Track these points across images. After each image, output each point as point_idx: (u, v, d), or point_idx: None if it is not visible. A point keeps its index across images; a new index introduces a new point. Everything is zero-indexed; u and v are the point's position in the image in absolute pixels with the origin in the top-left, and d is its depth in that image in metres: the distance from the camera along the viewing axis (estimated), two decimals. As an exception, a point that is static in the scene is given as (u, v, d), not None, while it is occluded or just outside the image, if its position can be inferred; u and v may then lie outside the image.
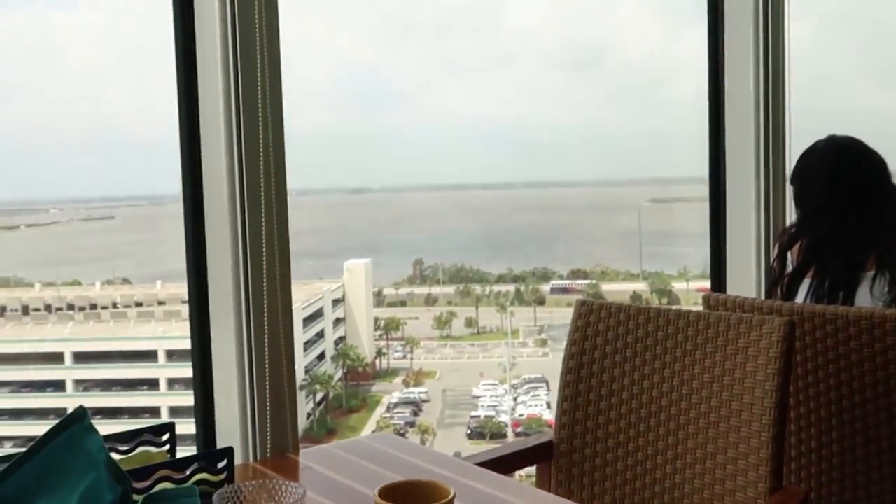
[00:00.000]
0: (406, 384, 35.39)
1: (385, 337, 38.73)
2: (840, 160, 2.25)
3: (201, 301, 1.77)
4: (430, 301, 45.23)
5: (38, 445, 1.01)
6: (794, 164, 2.44)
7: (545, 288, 40.52)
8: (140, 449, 1.35)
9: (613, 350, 1.96)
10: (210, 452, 1.28)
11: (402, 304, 43.44)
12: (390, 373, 36.57)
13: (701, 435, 1.82)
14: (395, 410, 29.23)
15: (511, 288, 44.50)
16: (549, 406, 30.33)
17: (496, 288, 44.49)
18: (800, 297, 2.17)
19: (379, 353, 37.41)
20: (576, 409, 1.98)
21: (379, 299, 40.74)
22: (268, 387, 1.69)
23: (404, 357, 38.90)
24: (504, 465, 1.87)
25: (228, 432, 1.71)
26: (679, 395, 1.87)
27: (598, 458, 1.94)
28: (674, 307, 1.95)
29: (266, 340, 1.70)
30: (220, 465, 1.27)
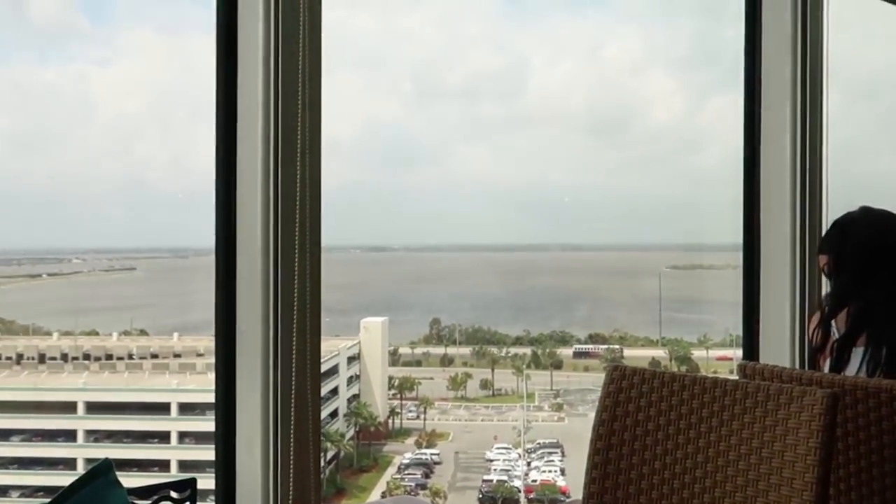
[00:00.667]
0: (418, 445, 34.92)
1: (399, 396, 38.33)
2: (886, 230, 2.25)
3: (228, 354, 1.74)
4: (446, 361, 44.87)
5: (62, 498, 0.97)
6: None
7: (563, 352, 40.20)
8: (161, 504, 1.31)
9: (646, 417, 1.93)
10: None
11: (418, 363, 43.16)
12: (403, 433, 36.13)
13: (738, 509, 1.76)
14: (406, 471, 28.84)
15: (528, 350, 44.14)
16: (563, 472, 29.85)
17: (513, 350, 44.13)
18: (853, 365, 2.13)
19: (392, 413, 37.00)
20: (605, 478, 1.94)
21: (394, 358, 40.49)
22: (292, 444, 1.64)
23: (417, 417, 38.46)
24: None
25: (250, 489, 1.66)
26: (714, 466, 1.82)
27: (629, 530, 1.89)
28: (710, 375, 1.91)
29: (293, 397, 1.66)
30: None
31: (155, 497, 1.31)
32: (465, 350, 44.67)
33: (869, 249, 2.25)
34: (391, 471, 27.85)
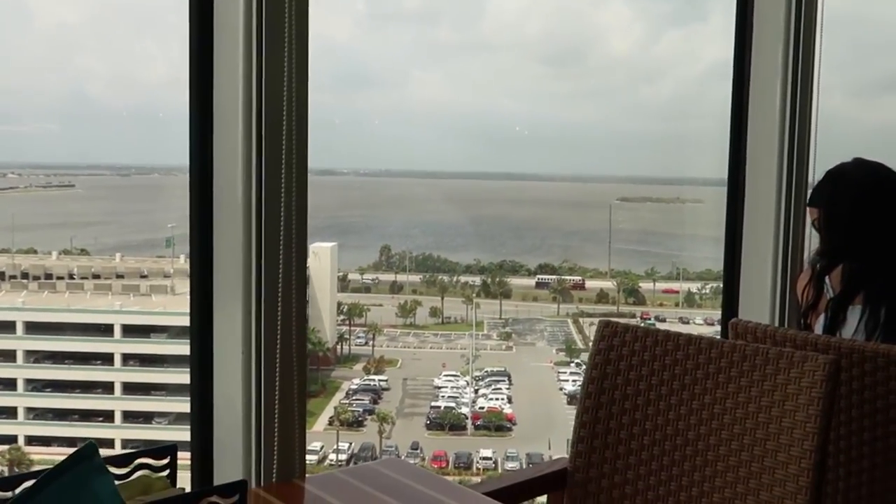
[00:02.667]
0: (367, 371, 35.31)
1: (348, 322, 38.61)
2: (880, 182, 2.20)
3: (204, 289, 1.64)
4: (396, 289, 45.15)
5: (44, 482, 0.89)
6: (814, 183, 2.37)
7: (514, 281, 40.62)
8: (138, 473, 1.24)
9: (637, 377, 1.88)
10: (223, 487, 1.16)
11: (367, 290, 43.37)
12: (351, 359, 36.49)
13: (731, 473, 1.74)
14: (354, 397, 29.15)
15: (478, 279, 44.61)
16: (509, 400, 30.46)
17: (463, 278, 44.57)
18: (849, 325, 2.10)
19: (341, 339, 37.30)
20: (594, 437, 1.89)
21: (343, 284, 40.60)
22: (277, 401, 1.56)
23: (366, 344, 38.86)
24: (514, 494, 1.78)
25: (230, 451, 1.58)
26: (708, 429, 1.79)
27: (616, 490, 1.86)
28: (706, 336, 1.88)
29: (279, 345, 1.58)
30: (232, 499, 1.15)
31: (132, 465, 1.23)
32: (416, 278, 44.88)
33: (862, 203, 2.20)
34: (339, 396, 28.13)
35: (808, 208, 2.36)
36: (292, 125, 1.62)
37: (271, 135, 1.61)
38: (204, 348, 1.66)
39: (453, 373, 32.99)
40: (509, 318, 41.32)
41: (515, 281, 44.06)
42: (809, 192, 2.54)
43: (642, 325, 1.96)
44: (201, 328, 1.67)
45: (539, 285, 41.59)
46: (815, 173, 2.70)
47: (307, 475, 1.60)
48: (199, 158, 1.67)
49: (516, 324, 42.15)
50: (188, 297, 1.70)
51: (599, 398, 1.90)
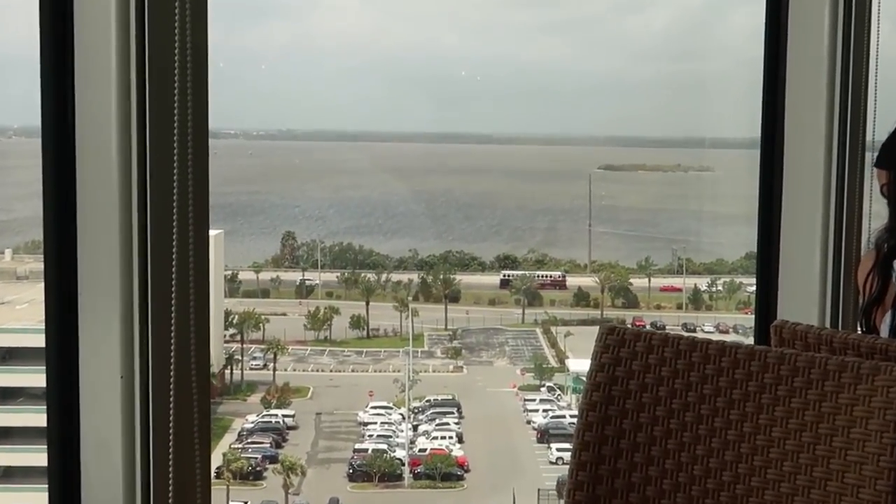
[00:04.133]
0: (266, 404, 35.15)
1: (239, 338, 38.37)
2: None
3: (63, 294, 1.62)
4: (304, 292, 44.96)
5: None
6: (879, 139, 2.41)
7: (465, 279, 40.71)
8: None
9: (654, 399, 1.89)
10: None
11: (265, 294, 43.12)
12: (245, 388, 36.25)
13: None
14: (249, 440, 29.01)
15: (415, 277, 44.64)
16: (460, 439, 30.56)
17: (395, 277, 44.62)
18: None
19: (230, 361, 37.06)
20: (596, 482, 1.90)
21: (233, 286, 40.32)
22: (172, 447, 1.54)
23: (265, 367, 38.64)
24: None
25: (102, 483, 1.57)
26: (749, 467, 1.82)
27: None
28: (744, 343, 1.88)
29: (172, 368, 1.56)
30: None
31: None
32: (331, 276, 44.73)
33: None
34: (229, 438, 27.93)
35: (875, 170, 2.39)
36: (186, 73, 1.61)
37: (159, 85, 1.59)
38: (64, 376, 1.63)
39: (384, 404, 32.97)
40: (458, 329, 41.39)
41: (467, 279, 44.16)
42: (869, 153, 2.57)
43: (660, 330, 2.00)
44: (60, 348, 1.65)
45: (503, 284, 41.38)
46: (876, 129, 2.74)
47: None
48: (54, 117, 1.65)
49: (468, 336, 42.25)
50: (41, 306, 1.68)
51: (603, 430, 1.90)
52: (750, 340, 2.41)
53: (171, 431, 1.58)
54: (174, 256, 1.58)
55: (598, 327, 1.97)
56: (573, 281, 44.13)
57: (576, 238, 37.90)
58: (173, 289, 1.59)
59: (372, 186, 39.33)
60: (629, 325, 2.69)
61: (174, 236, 1.59)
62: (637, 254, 41.09)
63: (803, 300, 2.77)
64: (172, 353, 1.60)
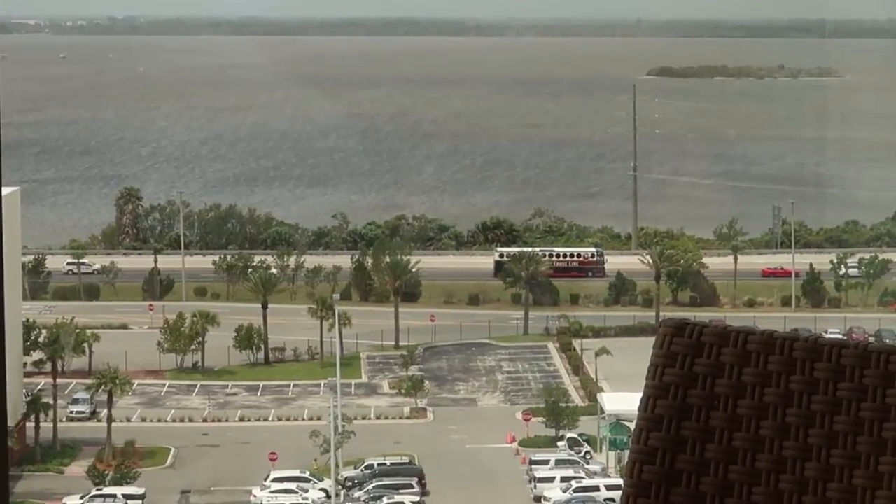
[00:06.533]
0: (97, 476, 35.09)
1: (51, 369, 38.38)
2: None
3: None
4: (157, 288, 45.50)
5: None
6: None
7: (428, 262, 41.42)
8: None
9: (729, 419, 1.95)
10: None
11: (92, 292, 43.25)
12: (61, 449, 36.19)
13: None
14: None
15: (345, 260, 45.15)
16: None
17: (312, 260, 45.11)
18: None
19: (35, 407, 37.04)
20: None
21: (37, 281, 40.45)
22: None
23: (93, 415, 38.62)
24: None
25: None
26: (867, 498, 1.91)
27: None
28: (874, 341, 2.11)
29: None
30: None
31: None
32: (202, 261, 45.48)
33: None
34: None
35: None
36: None
37: None
38: None
39: (295, 473, 32.79)
40: (418, 347, 41.27)
41: (431, 262, 44.19)
42: None
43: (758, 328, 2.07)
44: None
45: (497, 270, 41.14)
46: None
47: None
48: None
49: (434, 357, 42.20)
50: None
51: (673, 457, 1.97)
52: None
53: None
54: None
55: (649, 339, 2.22)
56: (616, 263, 45.29)
57: (611, 191, 38.78)
58: None
59: (274, 108, 39.79)
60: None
61: None
62: (714, 215, 41.99)
63: None
64: None
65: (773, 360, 1.95)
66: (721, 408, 1.97)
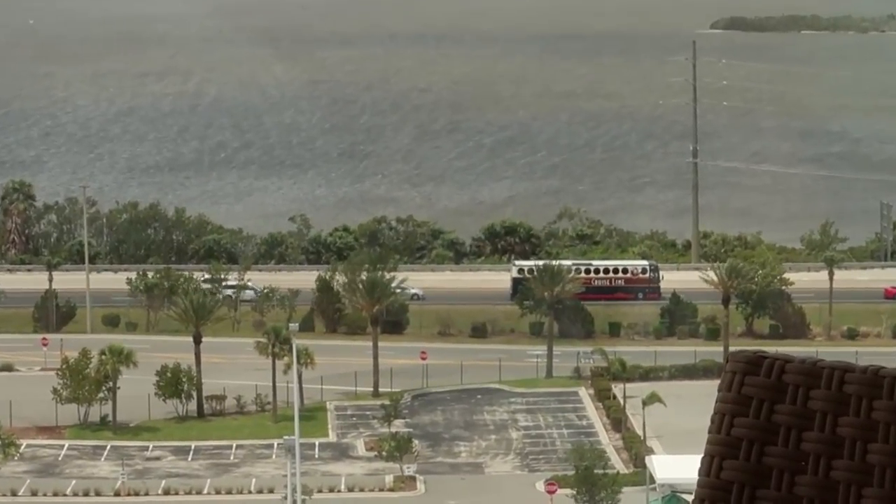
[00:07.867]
0: None
1: None
2: None
3: None
4: (54, 316, 46.91)
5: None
6: None
7: (416, 279, 42.30)
8: None
9: (821, 483, 1.99)
10: None
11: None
12: None
13: None
14: None
15: (307, 278, 46.47)
16: None
17: (259, 278, 46.41)
18: None
19: None
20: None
21: None
22: None
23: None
24: None
25: None
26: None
27: None
28: None
29: None
30: None
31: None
32: (114, 279, 46.95)
33: None
34: None
35: None
36: None
37: None
38: None
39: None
40: (404, 394, 41.67)
41: (421, 278, 45.03)
42: None
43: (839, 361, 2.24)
44: None
45: (515, 289, 41.38)
46: None
47: None
48: None
49: (425, 408, 42.61)
50: None
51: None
52: None
53: None
54: None
55: (714, 381, 2.37)
56: (675, 279, 47.12)
57: (664, 183, 39.43)
58: None
59: (211, 73, 40.65)
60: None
61: None
62: (802, 214, 42.85)
63: None
64: None
65: (879, 405, 1.94)
66: (810, 471, 1.97)
